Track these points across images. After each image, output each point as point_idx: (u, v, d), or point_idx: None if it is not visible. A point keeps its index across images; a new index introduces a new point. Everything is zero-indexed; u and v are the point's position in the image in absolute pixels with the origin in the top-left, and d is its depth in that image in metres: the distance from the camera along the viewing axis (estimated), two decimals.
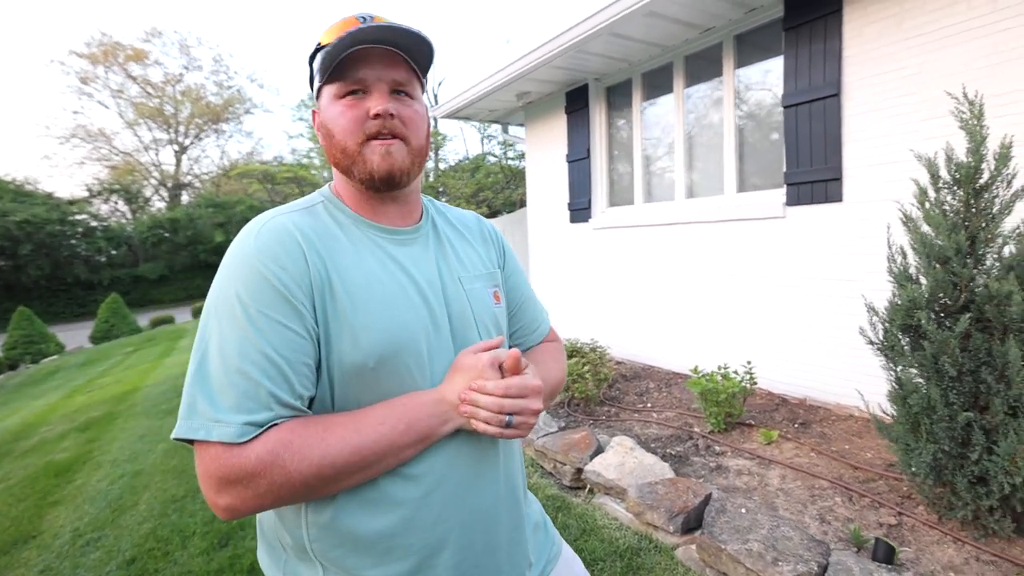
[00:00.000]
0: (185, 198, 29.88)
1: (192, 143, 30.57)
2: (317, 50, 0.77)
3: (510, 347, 0.97)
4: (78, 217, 23.60)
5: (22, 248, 20.65)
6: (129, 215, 27.60)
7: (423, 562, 0.72)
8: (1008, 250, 1.90)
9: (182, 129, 29.77)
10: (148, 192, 29.29)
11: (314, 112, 0.81)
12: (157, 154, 29.67)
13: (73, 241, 23.02)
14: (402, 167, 0.76)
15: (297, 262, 0.68)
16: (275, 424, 0.63)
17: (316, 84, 0.78)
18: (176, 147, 29.92)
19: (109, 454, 3.81)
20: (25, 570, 2.38)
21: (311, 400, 0.69)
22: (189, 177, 30.87)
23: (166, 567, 2.26)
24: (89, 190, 26.01)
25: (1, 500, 3.25)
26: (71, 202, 24.01)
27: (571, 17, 3.70)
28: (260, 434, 0.62)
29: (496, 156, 11.12)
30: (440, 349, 0.76)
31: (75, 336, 15.12)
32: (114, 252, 24.45)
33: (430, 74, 0.84)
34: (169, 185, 29.72)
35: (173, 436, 0.64)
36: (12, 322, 12.28)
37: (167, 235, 24.88)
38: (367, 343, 0.69)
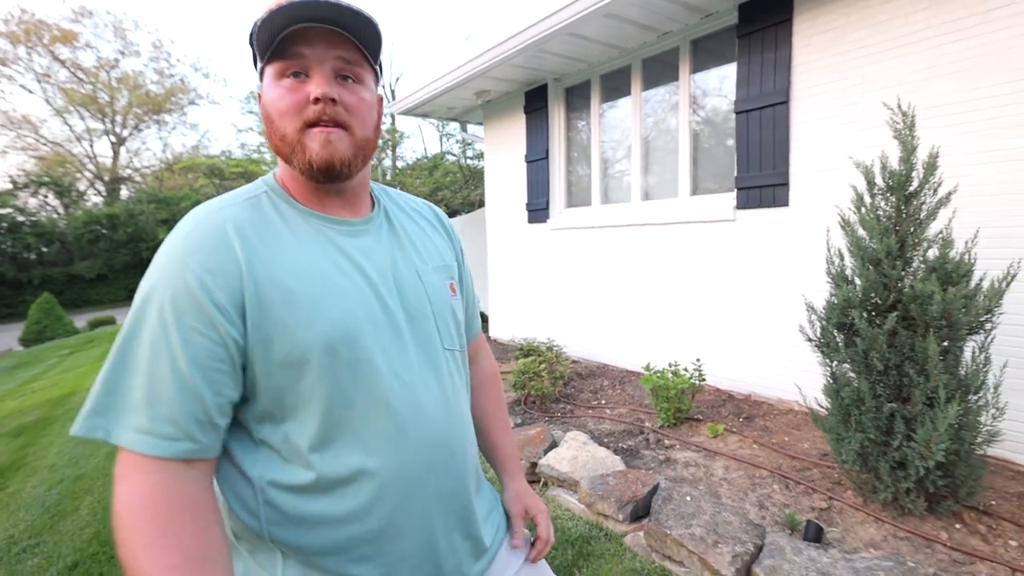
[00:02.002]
0: (125, 193, 27.97)
1: (131, 134, 28.64)
2: (256, 28, 0.71)
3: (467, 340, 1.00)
4: (2, 211, 21.64)
5: None
6: (61, 210, 25.50)
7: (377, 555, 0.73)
8: (932, 253, 2.05)
9: (119, 119, 27.73)
10: (82, 186, 27.16)
11: (259, 96, 0.76)
12: (92, 145, 27.47)
13: None
14: (343, 158, 0.72)
15: (226, 264, 0.66)
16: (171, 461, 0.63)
17: (258, 65, 0.74)
18: (113, 138, 27.93)
19: (46, 459, 3.64)
20: None
21: (242, 399, 0.70)
22: (128, 171, 28.91)
23: (112, 571, 2.17)
24: (14, 182, 23.64)
25: None
26: None
27: (530, 16, 3.73)
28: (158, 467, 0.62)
29: (455, 155, 11.09)
30: (393, 341, 0.75)
31: (2, 339, 14.08)
32: (45, 249, 22.58)
33: (383, 62, 0.82)
34: (106, 179, 27.66)
35: (76, 432, 0.63)
36: None
37: (105, 232, 23.14)
38: (305, 338, 0.68)
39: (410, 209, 0.92)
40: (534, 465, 2.55)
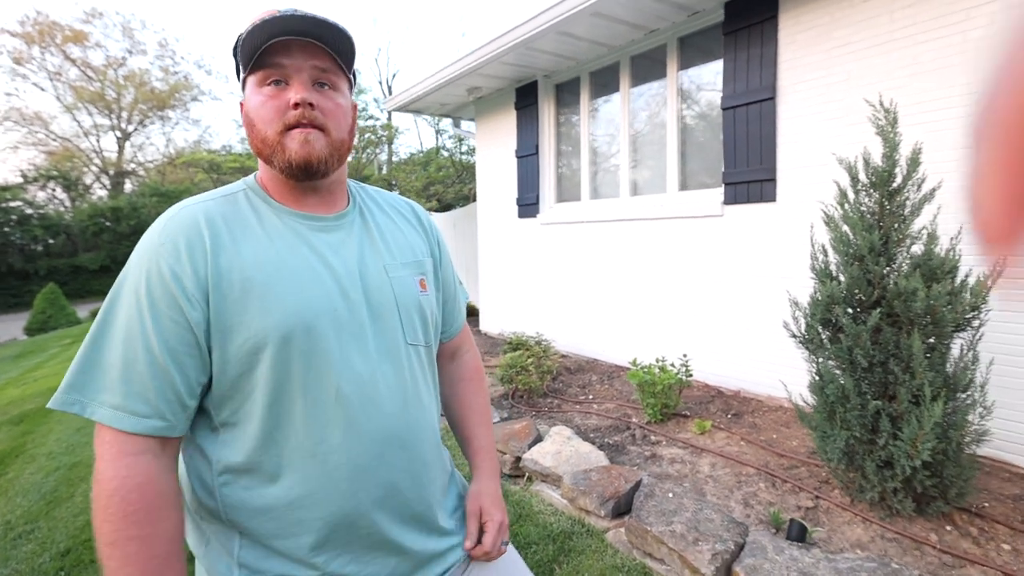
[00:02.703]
0: (128, 186, 28.34)
1: (136, 130, 28.98)
2: (239, 42, 0.77)
3: (442, 334, 1.01)
4: (12, 204, 22.22)
5: None
6: (68, 203, 25.99)
7: (324, 536, 0.74)
8: (916, 249, 2.03)
9: (125, 115, 28.16)
10: (88, 179, 27.64)
11: (241, 104, 0.81)
12: (98, 140, 28.00)
13: (6, 229, 21.70)
14: (320, 156, 0.76)
15: (195, 254, 0.71)
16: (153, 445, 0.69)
17: (241, 75, 0.80)
18: (119, 133, 28.30)
19: (44, 447, 3.70)
20: None
21: (209, 382, 0.74)
22: (133, 165, 29.28)
23: None
24: (24, 176, 24.29)
25: None
26: (4, 188, 22.49)
27: (520, 15, 3.71)
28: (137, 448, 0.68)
29: (449, 150, 11.08)
30: (352, 333, 0.77)
31: (8, 328, 14.39)
32: (51, 241, 23.06)
33: (359, 68, 0.87)
34: (111, 173, 28.09)
35: (55, 406, 0.68)
36: None
37: (109, 224, 23.59)
38: (261, 326, 0.71)
39: (387, 206, 0.95)
40: (518, 459, 2.54)
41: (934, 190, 1.97)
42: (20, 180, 24.06)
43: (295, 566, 0.74)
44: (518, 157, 4.98)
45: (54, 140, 26.82)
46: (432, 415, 0.88)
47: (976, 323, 1.91)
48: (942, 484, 1.90)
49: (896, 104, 2.11)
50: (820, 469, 2.34)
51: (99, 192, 27.70)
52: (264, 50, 0.73)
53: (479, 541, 0.90)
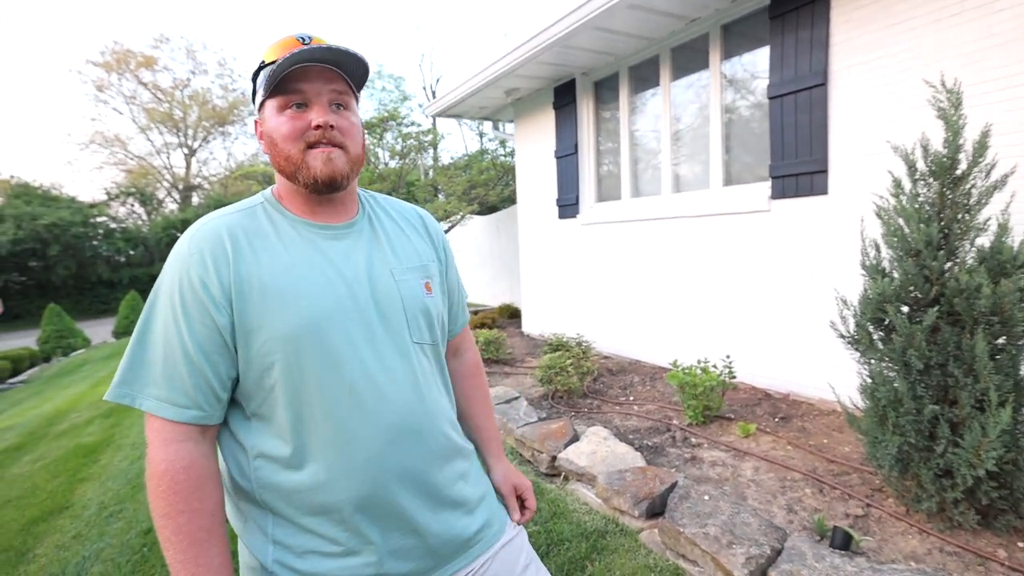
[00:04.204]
0: (195, 199, 30.48)
1: (200, 146, 31.14)
2: (260, 68, 0.85)
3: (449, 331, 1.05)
4: (98, 219, 24.61)
5: (51, 249, 21.71)
6: (144, 216, 28.41)
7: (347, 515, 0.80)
8: (981, 242, 1.86)
9: (191, 132, 30.34)
10: (161, 194, 30.05)
11: (256, 122, 0.89)
12: (168, 157, 30.33)
13: (95, 242, 24.02)
14: (342, 172, 0.83)
15: (218, 263, 0.78)
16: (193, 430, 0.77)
17: (259, 98, 0.85)
18: (186, 150, 30.52)
19: (129, 438, 4.07)
20: (61, 535, 2.64)
21: (237, 379, 0.81)
22: (198, 179, 31.50)
23: None
24: (108, 193, 26.95)
25: (40, 476, 3.59)
26: (92, 205, 25.01)
27: (555, 12, 3.69)
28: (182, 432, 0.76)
29: (490, 153, 11.16)
30: (362, 333, 0.83)
31: (99, 331, 15.81)
32: (132, 252, 25.23)
33: (363, 90, 0.93)
34: (180, 187, 30.36)
35: (110, 398, 0.77)
36: (44, 318, 13.01)
37: (179, 235, 25.42)
38: (278, 328, 0.78)
39: (395, 214, 1.00)
40: (554, 459, 2.54)
41: (1006, 176, 1.80)
42: (105, 197, 26.61)
43: (323, 542, 0.80)
44: (557, 157, 4.95)
45: (131, 159, 29.44)
46: (441, 406, 0.92)
47: None
48: (1012, 496, 1.74)
49: (961, 84, 1.93)
50: (873, 476, 2.20)
51: (170, 205, 30.17)
52: (286, 76, 0.80)
53: (524, 508, 1.08)
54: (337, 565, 0.81)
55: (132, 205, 28.06)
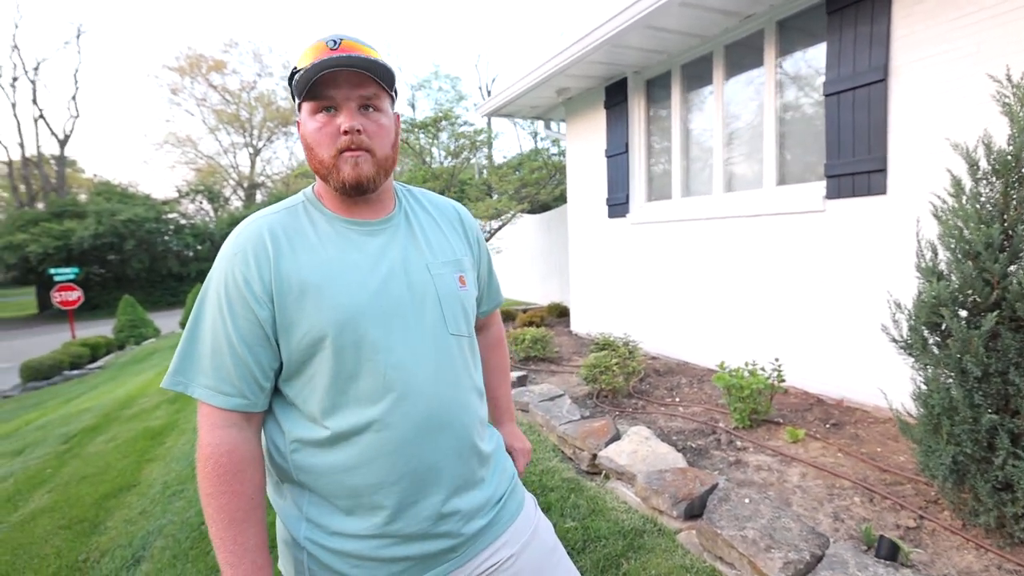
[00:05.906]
0: (259, 197, 32.25)
1: (264, 145, 33.00)
2: (294, 73, 0.88)
3: (482, 312, 1.15)
4: (170, 216, 26.56)
5: (127, 244, 23.60)
6: (212, 213, 30.30)
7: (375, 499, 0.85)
8: None
9: (256, 133, 32.15)
10: (227, 192, 32.02)
11: (298, 123, 0.92)
12: (235, 156, 32.55)
13: (167, 237, 25.92)
14: (368, 176, 0.87)
15: (260, 261, 0.84)
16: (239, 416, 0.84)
17: (296, 101, 0.90)
18: (251, 150, 32.38)
19: (191, 423, 4.33)
20: (128, 511, 2.86)
21: (280, 369, 0.87)
22: (262, 177, 33.34)
23: None
24: (179, 191, 29.03)
25: (112, 455, 3.87)
26: (164, 202, 27.12)
27: (606, 11, 3.71)
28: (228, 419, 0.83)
29: (542, 152, 11.20)
30: (398, 325, 0.87)
31: (169, 322, 16.93)
32: (200, 247, 26.96)
33: (398, 86, 0.95)
34: (245, 185, 32.25)
35: (168, 386, 0.84)
36: (119, 309, 14.10)
37: None
38: (317, 321, 0.83)
39: (432, 208, 1.04)
40: (595, 457, 2.58)
41: None
42: (176, 195, 28.75)
43: (352, 521, 0.86)
44: (608, 156, 4.96)
45: (201, 159, 31.63)
46: (471, 398, 0.95)
47: None
48: None
49: None
50: (928, 488, 2.12)
51: (236, 203, 32.16)
52: (315, 82, 0.83)
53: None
54: (366, 546, 0.85)
55: (200, 202, 30.06)
